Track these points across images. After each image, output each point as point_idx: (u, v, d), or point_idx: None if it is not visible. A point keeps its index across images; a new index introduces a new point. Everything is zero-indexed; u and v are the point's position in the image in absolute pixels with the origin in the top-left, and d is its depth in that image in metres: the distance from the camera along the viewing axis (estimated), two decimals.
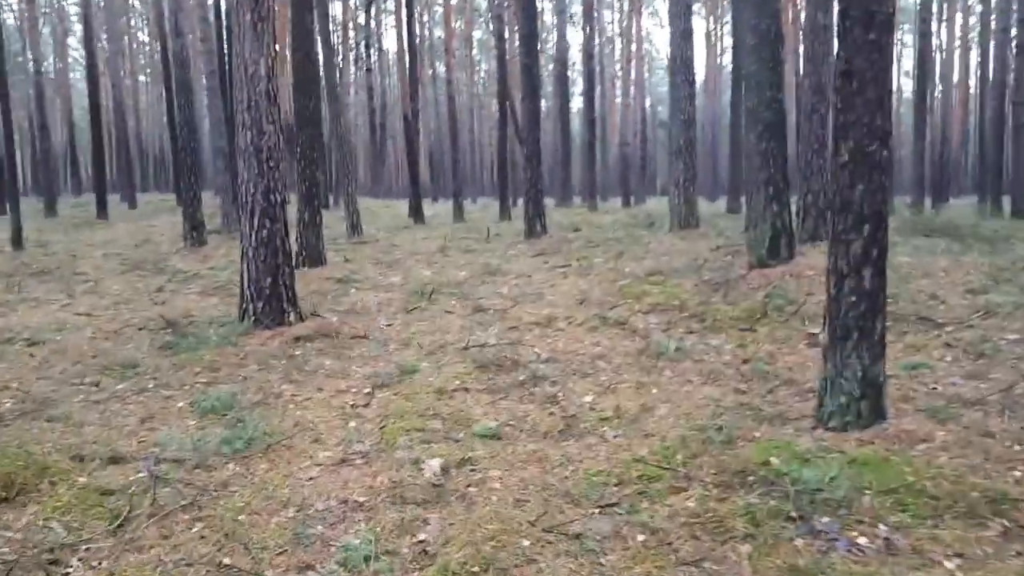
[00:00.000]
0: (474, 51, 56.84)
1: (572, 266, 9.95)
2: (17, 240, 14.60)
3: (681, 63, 11.90)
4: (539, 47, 17.68)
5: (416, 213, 21.05)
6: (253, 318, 7.08)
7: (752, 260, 7.62)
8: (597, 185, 27.27)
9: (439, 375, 5.67)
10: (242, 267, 7.21)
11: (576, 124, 45.03)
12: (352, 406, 5.19)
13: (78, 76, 59.60)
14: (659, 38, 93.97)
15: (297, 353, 6.42)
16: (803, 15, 10.41)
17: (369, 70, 40.02)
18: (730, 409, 4.56)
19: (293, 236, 11.97)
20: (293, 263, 10.83)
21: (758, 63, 7.45)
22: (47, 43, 51.05)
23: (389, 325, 7.55)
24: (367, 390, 5.53)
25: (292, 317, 7.18)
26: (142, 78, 57.97)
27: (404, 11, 21.98)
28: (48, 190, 25.58)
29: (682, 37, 11.76)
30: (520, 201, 25.87)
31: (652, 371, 5.46)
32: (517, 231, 16.32)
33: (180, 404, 5.27)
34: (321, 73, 15.65)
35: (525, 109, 13.69)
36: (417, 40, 28.21)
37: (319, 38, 16.95)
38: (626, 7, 47.85)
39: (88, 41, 23.65)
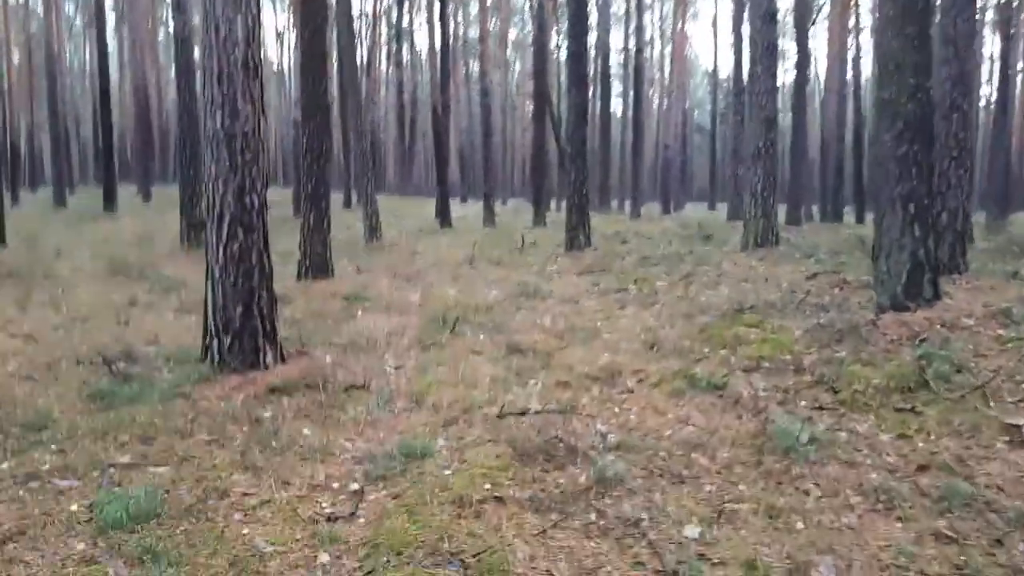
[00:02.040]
0: (508, 51, 55.27)
1: (630, 291, 8.09)
2: None
3: (764, 51, 9.98)
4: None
5: (443, 215, 19.32)
6: (218, 358, 5.34)
7: (883, 300, 5.72)
8: (644, 190, 25.33)
9: (461, 467, 3.88)
10: (206, 291, 5.46)
11: (613, 125, 43.11)
12: (329, 519, 3.42)
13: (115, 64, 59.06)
14: (698, 42, 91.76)
15: (267, 415, 4.65)
16: None
17: (399, 64, 38.42)
18: None
19: (296, 242, 10.31)
20: (304, 274, 9.10)
21: (899, 40, 5.56)
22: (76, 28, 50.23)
23: (398, 368, 5.76)
24: (354, 486, 3.77)
25: (270, 357, 5.42)
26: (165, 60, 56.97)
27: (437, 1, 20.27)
28: (58, 180, 24.28)
29: (763, 20, 9.86)
30: (554, 205, 24.04)
31: (784, 480, 3.61)
32: (555, 241, 14.49)
33: (74, 507, 3.53)
34: (335, 62, 13.96)
35: (571, 103, 11.86)
36: (450, 35, 26.59)
37: (340, 21, 15.30)
38: (669, 8, 45.93)
39: (99, 16, 22.19)
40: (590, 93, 30.99)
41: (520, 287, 8.95)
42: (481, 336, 6.57)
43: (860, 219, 27.21)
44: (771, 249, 10.12)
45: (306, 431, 4.45)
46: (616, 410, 4.63)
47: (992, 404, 4.23)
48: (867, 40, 26.44)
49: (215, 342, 5.37)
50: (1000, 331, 5.14)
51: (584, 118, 11.94)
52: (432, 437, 4.31)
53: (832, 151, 27.51)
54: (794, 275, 8.04)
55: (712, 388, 4.79)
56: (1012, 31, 22.03)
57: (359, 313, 7.95)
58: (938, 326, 5.29)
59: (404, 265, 11.81)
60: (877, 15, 6.79)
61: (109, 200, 21.91)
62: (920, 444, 3.90)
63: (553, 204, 33.27)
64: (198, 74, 12.94)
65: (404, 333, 7.00)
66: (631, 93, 24.73)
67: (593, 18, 47.07)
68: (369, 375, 5.48)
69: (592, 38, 42.27)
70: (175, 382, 5.12)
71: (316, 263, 9.49)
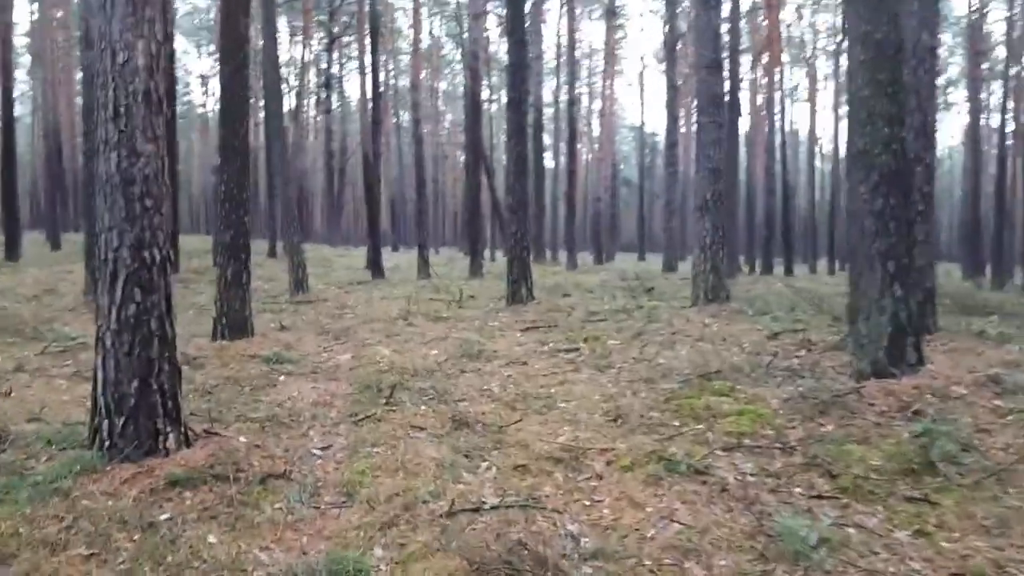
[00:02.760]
0: (439, 102, 55.46)
1: (581, 351, 7.48)
2: None
3: (708, 101, 9.72)
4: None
5: (375, 266, 18.51)
6: (108, 443, 4.44)
7: (863, 367, 5.26)
8: (576, 241, 25.05)
9: None
10: (96, 362, 4.58)
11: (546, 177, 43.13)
12: None
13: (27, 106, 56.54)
14: (623, 97, 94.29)
15: (163, 517, 3.80)
16: None
17: (328, 111, 37.73)
18: None
19: (208, 298, 9.38)
20: (220, 333, 8.23)
21: (871, 87, 5.21)
22: None
23: (325, 450, 4.96)
24: None
25: (171, 441, 4.54)
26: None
27: (368, 44, 19.77)
28: None
29: (708, 70, 9.60)
30: (487, 255, 23.55)
31: None
32: (494, 293, 13.87)
33: None
34: (253, 104, 13.24)
35: (510, 152, 11.39)
36: (380, 82, 26.10)
37: (265, 64, 14.60)
38: (597, 64, 47.00)
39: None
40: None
41: (462, 346, 8.24)
42: (422, 407, 5.82)
43: (789, 271, 27.60)
44: (722, 305, 9.70)
45: (211, 538, 3.63)
46: (586, 502, 3.95)
47: (1011, 491, 3.73)
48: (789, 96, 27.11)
49: (105, 423, 4.47)
50: (996, 401, 4.72)
51: (524, 168, 11.46)
52: (367, 545, 3.55)
53: (760, 203, 27.98)
54: (752, 335, 7.58)
55: (693, 473, 4.17)
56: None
57: (281, 379, 7.10)
58: (928, 395, 4.84)
59: (333, 321, 10.96)
60: (846, 60, 6.51)
61: (11, 248, 20.32)
62: (945, 545, 3.34)
63: (487, 254, 32.83)
64: None
65: (333, 404, 6.20)
66: (563, 146, 24.57)
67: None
68: (290, 460, 4.68)
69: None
70: (52, 474, 4.20)
71: (234, 321, 8.59)
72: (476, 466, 4.51)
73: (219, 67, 8.75)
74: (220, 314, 8.60)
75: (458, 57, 61.66)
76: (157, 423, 4.50)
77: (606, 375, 6.49)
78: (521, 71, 11.10)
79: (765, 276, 24.74)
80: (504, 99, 48.67)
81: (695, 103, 11.82)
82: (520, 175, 11.27)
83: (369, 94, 20.02)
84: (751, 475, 4.15)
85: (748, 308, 9.52)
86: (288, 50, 46.44)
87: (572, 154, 24.55)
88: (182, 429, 4.66)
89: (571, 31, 26.02)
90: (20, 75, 49.52)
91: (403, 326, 10.19)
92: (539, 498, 4.00)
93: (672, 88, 22.48)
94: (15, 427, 5.34)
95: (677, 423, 5.04)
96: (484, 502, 3.94)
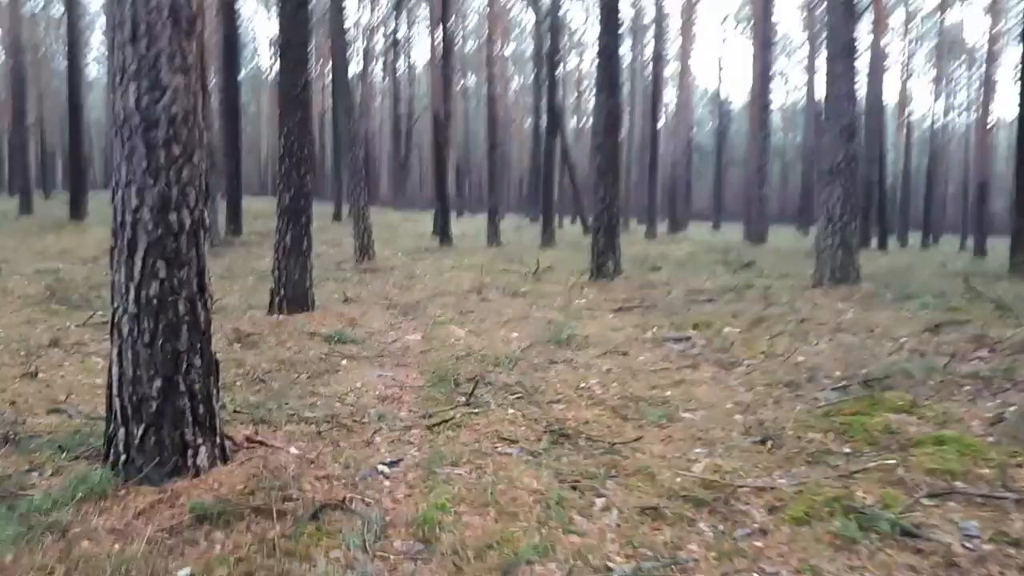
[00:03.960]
0: (508, 65, 54.03)
1: (694, 340, 6.30)
2: None
3: (842, 49, 8.25)
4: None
5: (443, 232, 17.54)
6: (124, 457, 3.51)
7: None
8: (660, 208, 23.59)
9: None
10: (111, 355, 3.64)
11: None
12: None
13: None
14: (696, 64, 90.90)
15: (182, 574, 2.84)
16: None
17: (395, 73, 36.75)
18: None
19: (269, 264, 8.50)
20: (277, 306, 7.34)
21: None
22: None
23: (394, 465, 3.94)
24: None
25: (203, 456, 3.59)
26: None
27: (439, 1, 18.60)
28: (23, 184, 22.37)
29: (841, 15, 8.12)
30: (556, 222, 22.39)
31: None
32: (573, 265, 12.72)
33: None
34: (320, 68, 12.27)
35: (600, 107, 10.12)
36: (452, 40, 24.94)
37: (332, 18, 13.61)
38: (677, 27, 44.77)
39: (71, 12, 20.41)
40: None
41: (547, 329, 7.16)
42: (509, 410, 4.76)
43: (883, 245, 25.60)
44: (853, 286, 8.34)
45: None
46: None
47: None
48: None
49: (121, 432, 3.54)
50: None
51: (616, 126, 10.20)
52: None
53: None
54: (904, 325, 6.26)
55: (898, 534, 2.99)
56: None
57: (343, 364, 6.14)
58: None
59: (401, 293, 10.01)
60: None
61: (76, 207, 20.03)
62: None
63: (556, 221, 31.54)
64: None
65: (402, 399, 5.20)
66: (638, 108, 23.02)
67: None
68: (351, 482, 3.68)
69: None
70: (51, 499, 3.29)
71: (293, 293, 7.68)
72: (589, 504, 3.43)
73: (278, 8, 7.73)
74: (278, 284, 7.70)
75: (526, 19, 60.07)
76: (185, 434, 3.54)
77: (733, 375, 5.31)
78: (615, 14, 9.80)
79: (880, 251, 22.89)
80: (575, 60, 46.71)
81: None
82: (611, 133, 10.02)
83: (440, 52, 18.87)
84: (983, 542, 2.95)
85: (884, 290, 8.15)
86: (356, 12, 45.65)
87: (654, 116, 23.00)
88: (217, 440, 3.70)
89: None
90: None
91: (477, 301, 9.16)
92: (686, 566, 2.89)
93: (766, 47, 20.69)
94: (32, 420, 4.51)
95: (849, 450, 3.85)
96: (611, 568, 2.86)
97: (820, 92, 39.01)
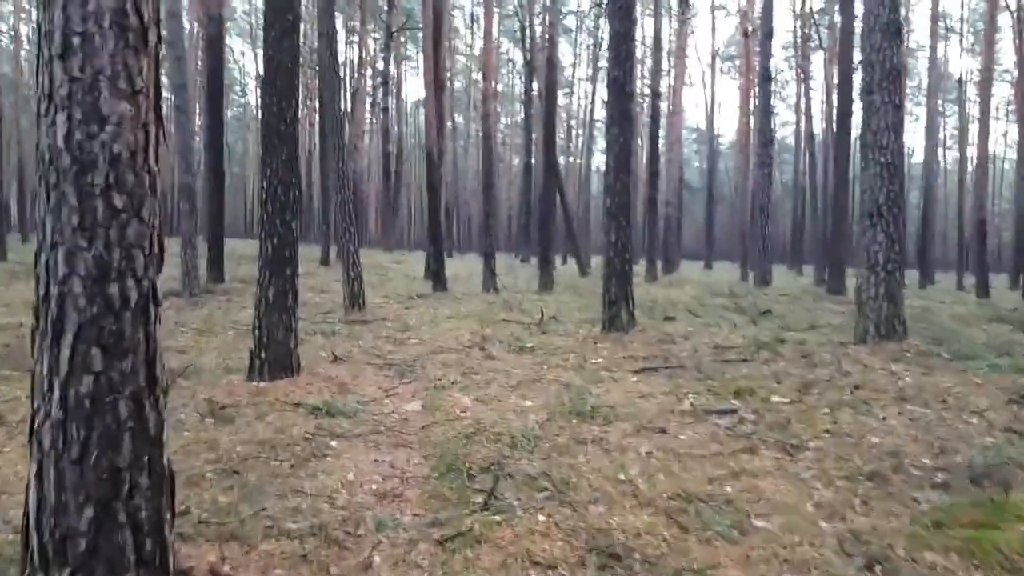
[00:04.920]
0: (496, 105, 53.88)
1: (741, 412, 5.44)
2: None
3: (885, 75, 7.54)
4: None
5: (436, 276, 16.68)
6: None
7: None
8: (658, 248, 22.89)
9: None
10: (29, 476, 2.75)
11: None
12: None
13: None
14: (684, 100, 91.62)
15: None
16: None
17: (385, 110, 36.29)
18: None
19: (251, 316, 7.61)
20: (258, 370, 6.51)
21: None
22: None
23: None
24: None
25: None
26: None
27: (431, 36, 18.04)
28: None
29: (883, 34, 7.45)
30: (552, 262, 21.66)
31: None
32: (578, 313, 11.89)
33: None
34: (308, 106, 11.56)
35: (611, 142, 9.38)
36: (444, 75, 24.42)
37: (321, 54, 12.94)
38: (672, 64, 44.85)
39: None
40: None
41: (564, 396, 6.30)
42: (539, 516, 3.86)
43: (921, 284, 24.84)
44: (901, 343, 7.55)
45: None
46: None
47: None
48: None
49: None
50: None
51: (628, 163, 9.42)
52: None
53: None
54: (981, 393, 5.45)
55: None
56: None
57: (332, 445, 5.23)
58: None
59: (395, 348, 9.12)
60: None
61: None
62: None
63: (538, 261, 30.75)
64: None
65: (404, 496, 4.30)
66: (645, 143, 22.45)
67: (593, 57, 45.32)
68: None
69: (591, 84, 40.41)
70: None
71: (275, 355, 6.78)
72: None
73: (264, 31, 6.97)
74: (259, 346, 6.80)
75: (515, 56, 60.18)
76: None
77: (800, 462, 4.44)
78: (626, 43, 9.12)
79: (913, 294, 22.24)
80: (563, 100, 46.42)
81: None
82: (622, 170, 9.24)
83: (433, 90, 18.23)
84: None
85: (936, 347, 7.36)
86: (343, 51, 45.39)
87: (654, 153, 22.37)
88: None
89: (657, 13, 23.86)
90: None
91: (480, 358, 8.29)
92: None
93: (767, 79, 20.20)
94: None
95: None
96: None
97: (815, 127, 38.72)
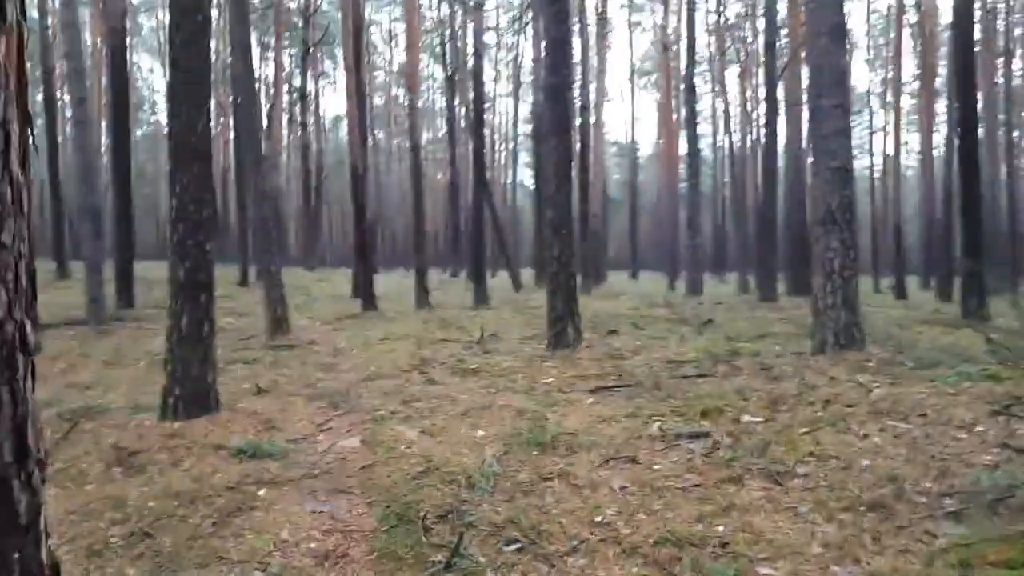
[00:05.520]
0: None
1: (714, 436, 5.01)
2: None
3: (830, 78, 7.34)
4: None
5: (365, 295, 15.93)
6: None
7: None
8: (601, 261, 22.63)
9: None
10: None
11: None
12: None
13: None
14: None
15: None
16: None
17: (304, 126, 35.21)
18: None
19: (164, 344, 6.81)
20: (172, 409, 5.82)
21: None
22: None
23: None
24: None
25: None
26: None
27: (352, 48, 17.37)
28: None
29: (831, 38, 7.25)
30: (486, 277, 21.34)
31: None
32: (519, 329, 11.41)
33: None
34: (222, 124, 10.80)
35: (548, 154, 8.96)
36: (366, 88, 23.73)
37: (235, 65, 12.17)
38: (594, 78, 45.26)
39: None
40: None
41: (520, 423, 5.77)
42: None
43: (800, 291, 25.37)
44: (860, 352, 7.31)
45: None
46: None
47: None
48: None
49: None
50: None
51: (568, 173, 9.01)
52: None
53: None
54: (959, 404, 5.18)
55: None
56: None
57: (261, 494, 4.55)
58: None
59: (326, 375, 8.41)
60: None
61: None
62: None
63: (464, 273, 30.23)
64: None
65: (349, 556, 3.69)
66: (575, 156, 22.25)
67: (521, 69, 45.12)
68: None
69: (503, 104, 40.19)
70: None
71: (192, 391, 6.03)
72: None
73: (169, 33, 6.26)
74: (173, 381, 6.03)
75: (435, 72, 59.70)
76: None
77: (792, 492, 4.03)
78: (563, 49, 8.72)
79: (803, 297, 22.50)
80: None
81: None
82: (563, 182, 8.81)
83: (355, 105, 17.53)
84: None
85: (902, 357, 7.14)
86: (259, 67, 44.06)
87: (584, 167, 22.19)
88: None
89: (583, 28, 23.67)
90: None
91: (421, 383, 7.68)
92: None
93: (690, 90, 20.28)
94: None
95: None
96: None
97: (721, 140, 39.37)
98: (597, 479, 4.46)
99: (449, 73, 31.38)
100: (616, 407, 6.03)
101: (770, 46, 19.24)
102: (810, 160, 7.70)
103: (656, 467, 4.61)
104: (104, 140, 37.26)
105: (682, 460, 4.68)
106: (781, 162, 22.73)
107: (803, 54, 15.61)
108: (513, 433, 5.50)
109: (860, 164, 57.56)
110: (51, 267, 26.86)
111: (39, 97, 25.88)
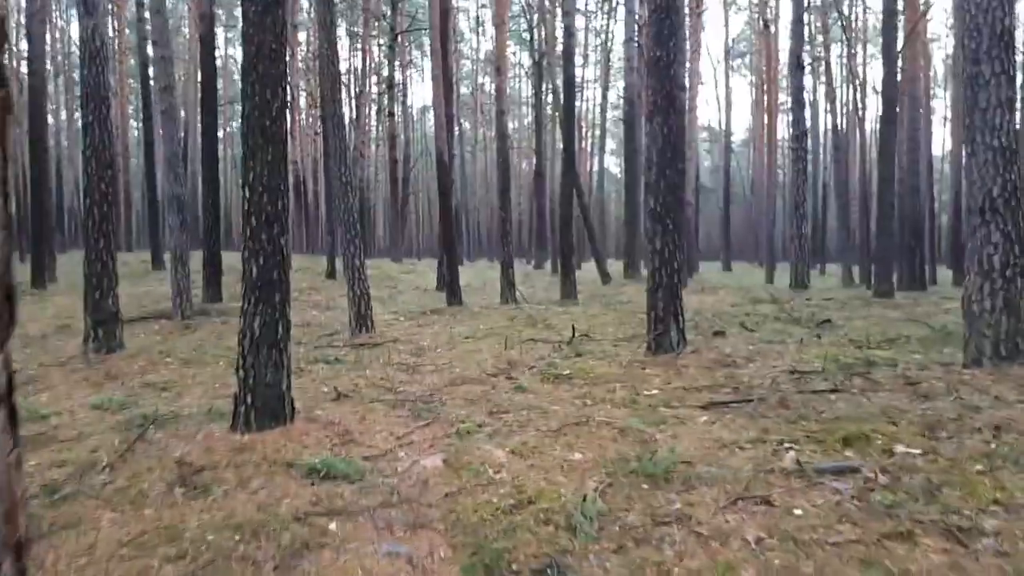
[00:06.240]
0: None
1: (864, 473, 4.15)
2: None
3: (990, 39, 6.29)
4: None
5: (451, 289, 15.44)
6: None
7: None
8: (693, 251, 21.51)
9: None
10: None
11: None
12: None
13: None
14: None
15: None
16: None
17: (392, 115, 35.17)
18: None
19: (235, 345, 6.39)
20: (243, 419, 5.30)
21: None
22: None
23: None
24: None
25: None
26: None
27: (439, 32, 16.85)
28: None
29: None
30: (574, 270, 20.56)
31: None
32: (613, 330, 10.63)
33: None
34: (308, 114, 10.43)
35: (654, 132, 8.14)
36: (452, 73, 23.30)
37: (321, 47, 11.79)
38: (687, 59, 43.56)
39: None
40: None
41: (623, 445, 5.04)
42: None
43: (922, 284, 23.54)
44: (1021, 363, 6.24)
45: None
46: None
47: None
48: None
49: None
50: None
51: (676, 155, 8.14)
52: None
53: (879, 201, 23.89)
54: None
55: None
56: None
57: (331, 528, 3.98)
58: None
59: (409, 378, 7.88)
60: None
61: (39, 271, 17.97)
62: None
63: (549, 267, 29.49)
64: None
65: None
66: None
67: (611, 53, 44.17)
68: None
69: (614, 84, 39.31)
70: None
71: (264, 401, 5.55)
72: None
73: (241, 8, 5.76)
74: (243, 389, 5.56)
75: (521, 59, 59.05)
76: None
77: (982, 556, 3.16)
78: (669, 18, 7.89)
79: (922, 292, 20.84)
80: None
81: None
82: (668, 166, 7.95)
83: (442, 92, 17.02)
84: None
85: None
86: (347, 58, 44.43)
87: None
88: None
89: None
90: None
91: (509, 391, 7.03)
92: None
93: (799, 67, 18.89)
94: None
95: None
96: None
97: (822, 122, 37.13)
98: (725, 527, 3.69)
99: (537, 58, 30.68)
100: (737, 429, 5.21)
101: (891, 13, 17.67)
102: (966, 139, 6.57)
103: (796, 512, 3.80)
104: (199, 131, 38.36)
105: (828, 504, 3.84)
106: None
107: (926, 28, 14.07)
108: (617, 458, 4.78)
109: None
110: (146, 257, 27.65)
111: (136, 85, 26.43)
